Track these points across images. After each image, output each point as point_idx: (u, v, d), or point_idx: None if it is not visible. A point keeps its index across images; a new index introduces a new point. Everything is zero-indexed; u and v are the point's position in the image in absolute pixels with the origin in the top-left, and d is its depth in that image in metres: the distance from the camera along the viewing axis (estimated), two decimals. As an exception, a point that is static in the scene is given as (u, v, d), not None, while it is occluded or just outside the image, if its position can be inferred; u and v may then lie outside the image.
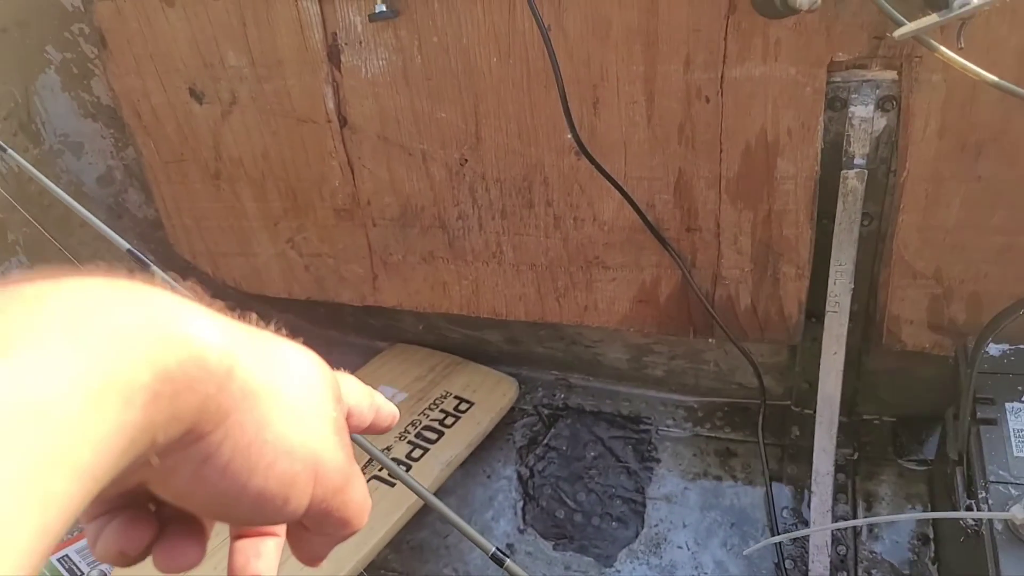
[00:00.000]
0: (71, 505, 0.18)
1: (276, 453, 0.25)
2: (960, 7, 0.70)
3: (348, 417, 0.32)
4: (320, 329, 1.53)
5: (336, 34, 1.10)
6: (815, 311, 1.10)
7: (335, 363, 0.31)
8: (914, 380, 1.18)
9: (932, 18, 0.73)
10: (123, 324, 0.20)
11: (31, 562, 0.16)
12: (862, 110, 0.94)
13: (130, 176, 1.39)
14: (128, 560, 0.27)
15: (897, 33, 0.74)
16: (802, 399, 1.24)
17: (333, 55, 1.12)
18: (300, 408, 0.26)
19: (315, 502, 0.27)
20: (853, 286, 1.02)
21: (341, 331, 1.56)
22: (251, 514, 0.26)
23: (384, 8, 1.03)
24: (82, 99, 1.31)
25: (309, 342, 0.30)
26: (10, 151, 0.87)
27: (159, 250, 1.44)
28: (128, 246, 0.91)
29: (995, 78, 0.75)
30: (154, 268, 0.90)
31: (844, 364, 1.05)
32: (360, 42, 1.09)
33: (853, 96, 0.94)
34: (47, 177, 1.32)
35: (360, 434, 0.35)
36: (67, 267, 0.21)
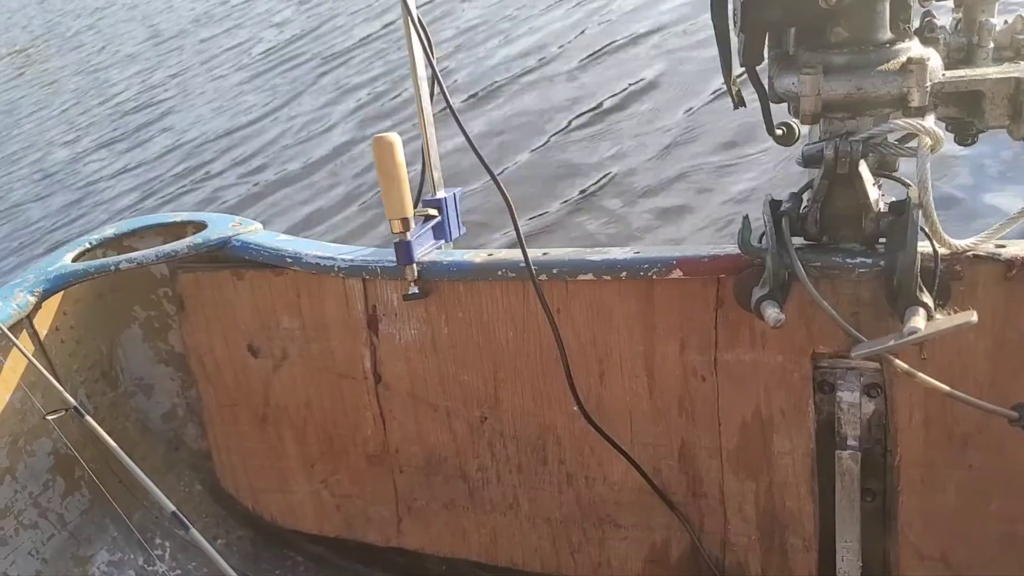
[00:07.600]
0: None
1: None
2: (908, 334, 0.78)
3: None
4: (348, 563, 1.57)
5: (375, 307, 1.26)
6: None
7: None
8: None
9: (886, 341, 0.80)
10: None
11: None
12: (849, 396, 0.99)
13: (190, 413, 1.54)
14: None
15: (854, 352, 0.81)
16: None
17: (372, 323, 1.27)
18: None
19: None
20: (861, 564, 1.02)
21: (368, 567, 1.59)
22: None
23: (416, 290, 1.19)
24: (158, 348, 1.49)
25: None
26: (87, 417, 1.00)
27: (207, 480, 1.55)
28: (173, 509, 1.01)
29: (947, 388, 0.81)
30: (193, 532, 0.99)
31: None
32: (395, 314, 1.24)
33: (840, 382, 1.00)
34: (120, 416, 1.47)
35: None
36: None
